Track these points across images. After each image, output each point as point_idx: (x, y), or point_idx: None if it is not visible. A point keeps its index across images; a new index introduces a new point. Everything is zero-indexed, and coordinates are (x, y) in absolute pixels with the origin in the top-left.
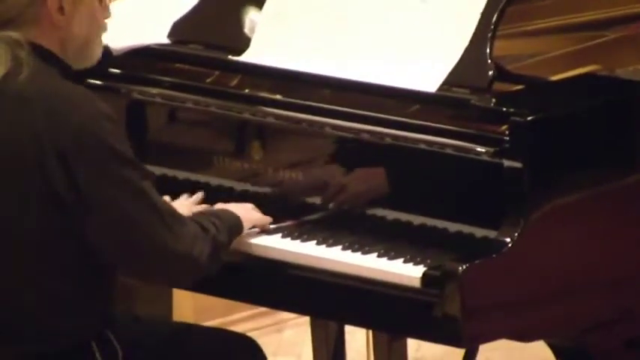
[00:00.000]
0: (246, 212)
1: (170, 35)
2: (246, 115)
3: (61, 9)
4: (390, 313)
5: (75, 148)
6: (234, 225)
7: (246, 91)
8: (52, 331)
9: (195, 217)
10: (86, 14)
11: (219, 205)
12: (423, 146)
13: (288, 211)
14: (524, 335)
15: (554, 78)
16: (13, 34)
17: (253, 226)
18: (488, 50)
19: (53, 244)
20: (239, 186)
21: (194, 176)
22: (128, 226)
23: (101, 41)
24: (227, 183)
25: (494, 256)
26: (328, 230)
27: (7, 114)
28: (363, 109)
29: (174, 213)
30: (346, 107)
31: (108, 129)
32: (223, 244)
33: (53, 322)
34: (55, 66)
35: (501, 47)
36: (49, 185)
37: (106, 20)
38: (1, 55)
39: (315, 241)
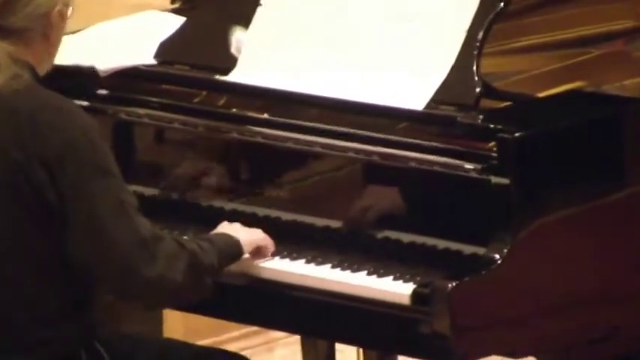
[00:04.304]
0: (251, 235)
1: (157, 56)
2: (234, 135)
3: (56, 22)
4: (380, 330)
5: (62, 158)
6: (229, 249)
7: (234, 110)
8: (38, 341)
9: (178, 237)
10: (62, 28)
11: (223, 226)
12: (410, 164)
13: (276, 230)
14: (514, 351)
15: (541, 95)
16: (10, 48)
17: (257, 249)
18: (475, 68)
19: (38, 252)
20: (228, 206)
21: (183, 196)
22: (103, 240)
23: None
24: (216, 203)
25: (483, 272)
26: (317, 248)
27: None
28: (351, 128)
29: (152, 231)
30: (334, 126)
31: (96, 141)
32: (206, 265)
33: (38, 331)
34: (37, 79)
35: (488, 64)
36: (37, 195)
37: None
38: (6, 71)
39: (304, 260)
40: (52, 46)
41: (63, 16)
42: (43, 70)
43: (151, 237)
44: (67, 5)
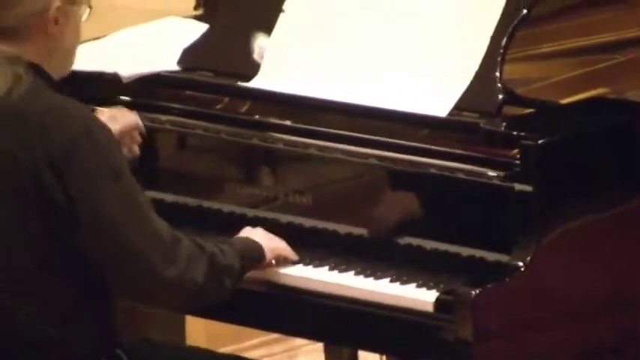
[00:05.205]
0: (272, 242)
1: (179, 62)
2: (256, 141)
3: (56, 20)
4: (402, 337)
5: (68, 160)
6: (250, 252)
7: (256, 117)
8: (53, 341)
9: (197, 240)
10: (74, 25)
11: (245, 231)
12: (433, 171)
13: (299, 237)
14: (535, 358)
15: (564, 101)
16: (10, 50)
17: (278, 257)
18: (497, 74)
19: (53, 255)
20: (250, 212)
21: (205, 203)
22: (120, 242)
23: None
24: (238, 209)
25: (506, 280)
26: (340, 256)
27: (5, 129)
28: (373, 134)
29: (171, 232)
30: (356, 132)
31: (103, 140)
32: (226, 267)
33: (53, 332)
34: (46, 80)
35: (511, 71)
36: (45, 196)
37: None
38: (3, 72)
39: (327, 267)
40: (58, 45)
41: (67, 15)
42: (56, 70)
43: (169, 237)
44: (72, 3)
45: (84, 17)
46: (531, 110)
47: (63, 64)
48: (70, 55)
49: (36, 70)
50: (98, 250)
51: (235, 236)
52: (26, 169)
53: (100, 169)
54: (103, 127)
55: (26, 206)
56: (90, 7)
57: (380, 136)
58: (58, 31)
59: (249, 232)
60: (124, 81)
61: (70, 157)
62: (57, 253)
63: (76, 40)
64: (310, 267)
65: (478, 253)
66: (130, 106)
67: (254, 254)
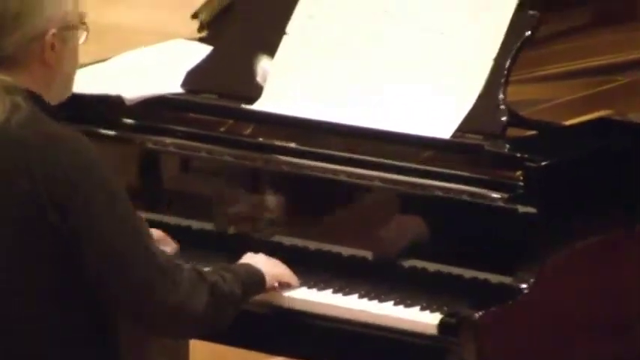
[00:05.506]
0: (273, 267)
1: (183, 84)
2: (260, 164)
3: (52, 45)
4: None
5: (67, 191)
6: (251, 279)
7: (260, 139)
8: None
9: (199, 268)
10: (71, 51)
11: (247, 257)
12: (437, 193)
13: (303, 260)
14: None
15: (568, 123)
16: (9, 80)
17: (279, 282)
18: (501, 96)
19: (54, 279)
20: (254, 235)
21: (209, 225)
22: (121, 270)
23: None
24: (242, 232)
25: (510, 302)
26: (344, 278)
27: (4, 157)
28: (377, 157)
29: (170, 259)
30: (360, 155)
31: (101, 169)
32: (227, 295)
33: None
34: (44, 108)
35: (514, 92)
36: (45, 225)
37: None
38: (1, 101)
39: (331, 290)
40: (56, 71)
41: (64, 40)
42: (53, 97)
43: (169, 265)
44: (68, 28)
45: (81, 40)
46: (535, 132)
47: (62, 89)
48: (69, 80)
49: (34, 98)
50: (98, 278)
51: (237, 262)
52: (25, 198)
53: (99, 201)
54: (100, 158)
55: (25, 234)
56: (87, 30)
57: (383, 158)
58: (56, 57)
59: (250, 258)
60: (128, 103)
61: (69, 188)
62: (58, 284)
63: (75, 65)
64: (314, 290)
65: (482, 275)
66: (133, 128)
67: (255, 281)
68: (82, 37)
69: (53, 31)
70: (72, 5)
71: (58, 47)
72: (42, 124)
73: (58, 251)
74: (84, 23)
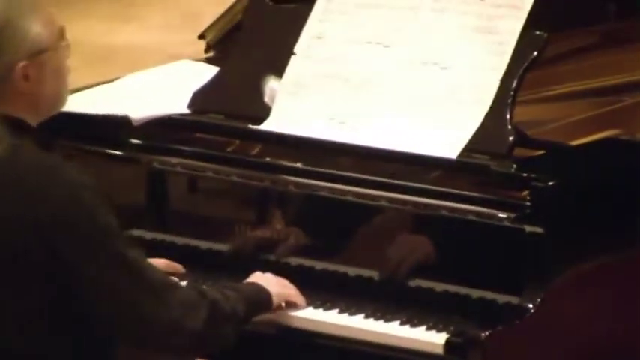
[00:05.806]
0: (281, 287)
1: (190, 105)
2: (267, 184)
3: (25, 76)
4: None
5: (54, 226)
6: (257, 297)
7: (267, 159)
8: None
9: (199, 286)
10: (52, 72)
11: (254, 276)
12: (443, 213)
13: (309, 280)
14: None
15: (575, 143)
16: None
17: (286, 302)
18: (508, 116)
19: (48, 313)
20: (261, 255)
21: (216, 246)
22: (115, 298)
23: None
24: (249, 252)
25: (517, 322)
26: (351, 298)
27: None
28: (384, 177)
29: (163, 279)
30: (367, 175)
31: (87, 200)
32: (228, 313)
33: None
34: (27, 134)
35: (521, 112)
36: (33, 258)
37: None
38: None
39: (337, 309)
40: (38, 96)
41: (39, 66)
42: (44, 115)
43: (160, 284)
44: (42, 52)
45: (67, 57)
46: (542, 152)
47: (54, 106)
48: (57, 98)
49: (15, 125)
50: (89, 305)
51: (244, 281)
52: (13, 232)
53: (87, 234)
54: (89, 188)
55: (14, 266)
56: (67, 42)
57: (390, 178)
58: (32, 85)
59: (258, 278)
60: (135, 124)
61: (57, 222)
62: (50, 313)
63: (61, 83)
64: (320, 309)
65: (488, 294)
66: (140, 148)
67: (261, 300)
68: (65, 53)
69: (22, 63)
70: (41, 28)
71: (33, 75)
72: (26, 156)
73: (46, 281)
74: (63, 39)
